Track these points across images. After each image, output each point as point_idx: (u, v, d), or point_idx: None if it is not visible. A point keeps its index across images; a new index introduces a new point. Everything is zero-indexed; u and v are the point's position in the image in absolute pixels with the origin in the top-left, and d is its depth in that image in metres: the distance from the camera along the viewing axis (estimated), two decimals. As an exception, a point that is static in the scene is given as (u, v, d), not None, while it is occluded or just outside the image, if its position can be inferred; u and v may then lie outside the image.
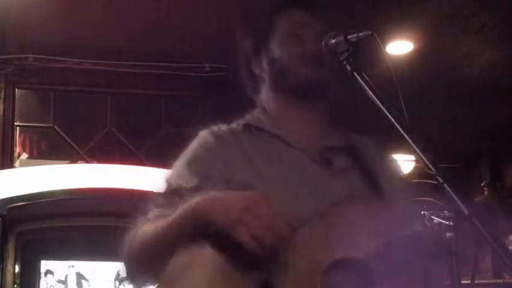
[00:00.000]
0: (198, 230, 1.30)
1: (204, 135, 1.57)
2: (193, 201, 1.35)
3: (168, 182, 1.53)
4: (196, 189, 1.43)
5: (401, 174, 1.49)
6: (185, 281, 1.28)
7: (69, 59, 5.24)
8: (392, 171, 1.60)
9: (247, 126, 1.58)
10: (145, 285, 1.49)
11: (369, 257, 1.29)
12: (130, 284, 1.54)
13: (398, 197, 1.49)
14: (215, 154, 1.51)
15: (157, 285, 1.33)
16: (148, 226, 1.43)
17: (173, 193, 1.48)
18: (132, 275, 1.48)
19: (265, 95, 1.63)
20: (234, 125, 1.59)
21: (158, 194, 1.52)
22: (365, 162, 1.54)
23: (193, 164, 1.52)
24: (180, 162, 1.55)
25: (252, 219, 1.23)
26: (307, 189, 1.46)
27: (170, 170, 1.56)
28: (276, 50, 1.57)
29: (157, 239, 1.37)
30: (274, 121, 1.57)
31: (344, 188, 1.46)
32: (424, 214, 1.27)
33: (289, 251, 1.29)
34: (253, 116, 1.62)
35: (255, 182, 1.44)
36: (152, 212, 1.47)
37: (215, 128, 1.58)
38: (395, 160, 1.53)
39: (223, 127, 1.58)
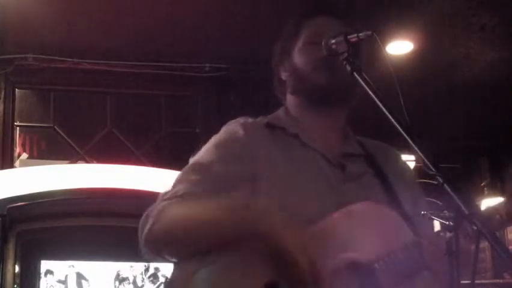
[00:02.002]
0: (252, 238, 1.29)
1: (233, 124, 1.59)
2: (253, 208, 1.33)
3: (195, 158, 1.53)
4: (217, 165, 1.46)
5: (415, 181, 1.51)
6: None
7: (69, 59, 5.23)
8: (407, 178, 1.61)
9: (268, 125, 1.61)
10: (158, 260, 1.45)
11: (375, 261, 1.29)
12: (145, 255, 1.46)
13: (412, 203, 1.51)
14: (241, 143, 1.53)
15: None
16: (179, 205, 1.41)
17: (202, 168, 1.48)
18: (149, 250, 1.43)
19: (288, 98, 1.67)
20: (258, 122, 1.62)
21: (186, 169, 1.51)
22: (381, 169, 1.57)
23: (220, 147, 1.53)
24: (208, 145, 1.56)
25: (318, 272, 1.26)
26: (319, 189, 1.48)
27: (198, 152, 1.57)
28: (296, 57, 1.61)
29: (194, 226, 1.36)
30: (294, 122, 1.61)
31: (355, 194, 1.47)
32: (424, 214, 1.27)
33: (297, 252, 1.30)
34: (276, 114, 1.66)
35: (272, 178, 1.47)
36: (181, 187, 1.45)
37: (243, 119, 1.61)
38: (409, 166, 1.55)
39: (250, 121, 1.61)
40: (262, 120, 1.63)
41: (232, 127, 1.58)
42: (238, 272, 1.29)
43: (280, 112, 1.66)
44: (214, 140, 1.57)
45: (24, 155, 5.49)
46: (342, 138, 1.62)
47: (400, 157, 1.69)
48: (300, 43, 1.62)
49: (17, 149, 5.43)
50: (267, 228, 1.28)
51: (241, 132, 1.56)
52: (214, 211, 1.35)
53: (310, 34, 1.60)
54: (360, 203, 1.38)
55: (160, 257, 1.43)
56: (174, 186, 1.48)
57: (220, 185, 1.42)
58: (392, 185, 1.53)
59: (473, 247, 1.17)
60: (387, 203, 1.47)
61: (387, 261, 1.29)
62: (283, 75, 1.66)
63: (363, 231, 1.31)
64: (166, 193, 1.46)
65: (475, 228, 1.11)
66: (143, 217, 1.43)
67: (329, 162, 1.54)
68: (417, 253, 1.31)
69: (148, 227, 1.40)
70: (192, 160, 1.54)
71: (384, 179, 1.54)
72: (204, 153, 1.54)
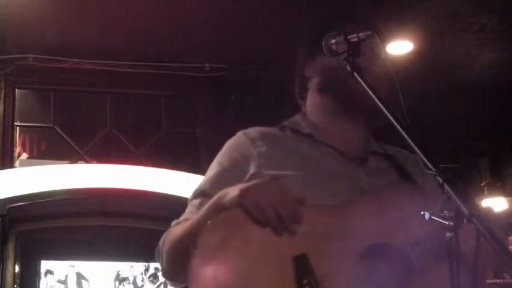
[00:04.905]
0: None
1: (237, 135, 1.61)
2: (214, 197, 1.40)
3: (200, 183, 1.58)
4: (216, 179, 1.52)
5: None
6: (223, 252, 1.30)
7: (69, 59, 5.24)
8: (430, 181, 1.58)
9: (282, 128, 1.62)
10: (178, 283, 1.55)
11: (407, 247, 1.30)
12: (167, 280, 1.61)
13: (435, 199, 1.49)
14: (245, 152, 1.54)
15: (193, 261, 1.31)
16: (178, 227, 1.49)
17: (199, 195, 1.55)
18: (166, 272, 1.54)
19: (310, 96, 1.65)
20: (269, 128, 1.63)
21: (190, 198, 1.58)
22: (404, 169, 1.56)
23: (221, 160, 1.57)
24: (213, 162, 1.60)
25: (257, 194, 1.30)
26: (337, 185, 1.48)
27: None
28: (331, 58, 1.56)
29: (185, 236, 1.42)
30: (310, 124, 1.61)
31: (377, 185, 1.47)
32: (424, 214, 1.26)
33: (329, 231, 1.31)
34: (291, 120, 1.66)
35: (282, 175, 1.46)
36: (183, 216, 1.54)
37: (248, 129, 1.62)
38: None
39: (256, 129, 1.61)
40: (274, 126, 1.64)
41: (234, 137, 1.61)
42: (266, 244, 1.29)
43: (297, 117, 1.66)
44: (218, 155, 1.60)
45: (24, 155, 5.50)
46: (362, 140, 1.62)
47: (421, 163, 1.65)
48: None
49: (17, 149, 5.43)
50: (213, 202, 1.38)
51: (243, 138, 1.58)
52: (195, 216, 1.44)
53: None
54: (387, 190, 1.39)
55: (180, 279, 1.51)
56: (184, 212, 1.56)
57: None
58: (415, 181, 1.52)
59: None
60: (411, 191, 1.47)
61: (419, 246, 1.29)
62: (309, 72, 1.64)
63: (392, 216, 1.30)
64: (174, 221, 1.55)
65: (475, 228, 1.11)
66: (158, 244, 1.53)
67: (345, 157, 1.54)
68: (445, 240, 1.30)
69: (158, 250, 1.51)
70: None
71: (408, 177, 1.54)
72: (207, 173, 1.59)
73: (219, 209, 1.34)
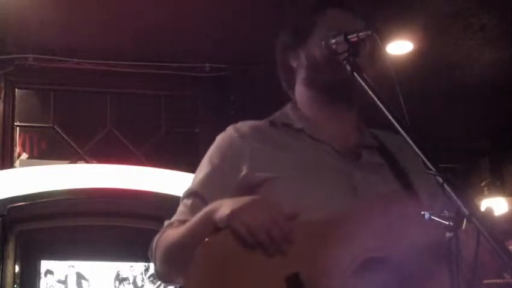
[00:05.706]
0: (206, 231, 1.34)
1: (228, 131, 1.59)
2: (206, 207, 1.40)
3: (192, 182, 1.58)
4: (207, 179, 1.52)
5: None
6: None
7: (69, 59, 5.24)
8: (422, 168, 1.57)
9: (272, 123, 1.59)
10: (172, 283, 1.58)
11: (404, 257, 1.28)
12: (159, 281, 1.63)
13: (430, 197, 1.48)
14: (236, 149, 1.53)
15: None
16: (171, 231, 1.49)
17: (191, 195, 1.54)
18: (160, 274, 1.55)
19: (298, 89, 1.64)
20: (260, 122, 1.61)
21: (182, 197, 1.57)
22: (396, 159, 1.55)
23: (213, 158, 1.56)
24: (204, 159, 1.59)
25: (247, 216, 1.29)
26: (331, 180, 1.47)
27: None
28: (313, 47, 1.56)
29: (178, 243, 1.43)
30: (302, 116, 1.59)
31: (368, 183, 1.46)
32: (424, 214, 1.26)
33: (320, 245, 1.29)
34: (282, 112, 1.63)
35: (275, 175, 1.46)
36: (175, 217, 1.54)
37: (239, 124, 1.60)
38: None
39: (248, 123, 1.60)
40: (265, 121, 1.61)
41: (224, 133, 1.59)
42: (258, 265, 1.27)
43: (287, 108, 1.63)
44: (209, 151, 1.59)
45: (24, 155, 5.50)
46: (355, 131, 1.60)
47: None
48: (318, 33, 1.55)
49: (17, 149, 5.43)
50: (205, 214, 1.38)
51: (234, 134, 1.56)
52: (187, 224, 1.44)
53: (329, 25, 1.54)
54: (381, 196, 1.38)
55: (173, 281, 1.54)
56: (176, 212, 1.56)
57: (212, 199, 1.45)
58: (408, 177, 1.51)
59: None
60: (404, 194, 1.46)
61: (413, 253, 1.28)
62: (295, 64, 1.61)
63: (387, 226, 1.29)
64: (166, 223, 1.55)
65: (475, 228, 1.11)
66: (151, 245, 1.53)
67: (338, 152, 1.52)
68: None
69: (151, 252, 1.53)
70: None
71: (401, 170, 1.53)
72: (198, 171, 1.58)
73: (209, 224, 1.34)
